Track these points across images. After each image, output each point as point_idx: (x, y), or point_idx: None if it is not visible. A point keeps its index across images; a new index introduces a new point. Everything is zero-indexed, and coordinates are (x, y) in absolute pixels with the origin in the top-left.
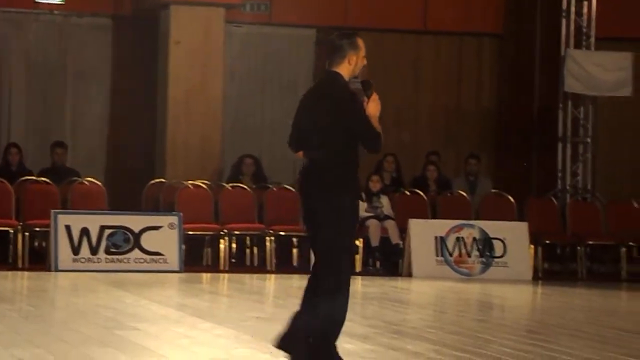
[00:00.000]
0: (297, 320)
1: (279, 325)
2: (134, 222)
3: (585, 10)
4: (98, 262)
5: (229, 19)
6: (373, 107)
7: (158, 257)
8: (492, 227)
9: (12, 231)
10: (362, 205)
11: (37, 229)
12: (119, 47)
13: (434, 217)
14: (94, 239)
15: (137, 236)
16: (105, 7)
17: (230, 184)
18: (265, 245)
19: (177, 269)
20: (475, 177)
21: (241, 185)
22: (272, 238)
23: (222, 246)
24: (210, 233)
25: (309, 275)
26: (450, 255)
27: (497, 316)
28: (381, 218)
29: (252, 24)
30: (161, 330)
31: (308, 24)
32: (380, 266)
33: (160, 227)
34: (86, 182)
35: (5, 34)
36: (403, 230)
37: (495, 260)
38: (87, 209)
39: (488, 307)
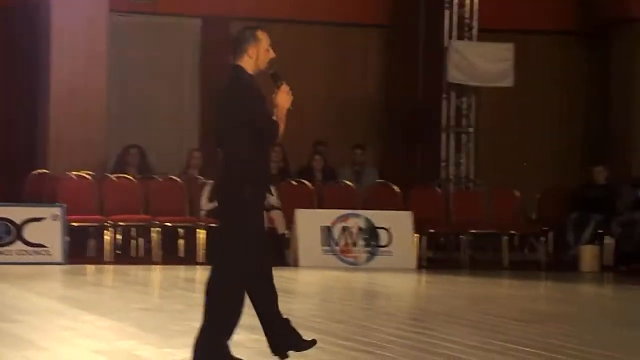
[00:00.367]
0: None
1: (165, 316)
2: (16, 213)
3: (467, 1)
4: None
5: (114, 7)
6: (282, 98)
7: (41, 249)
8: (378, 217)
9: None
10: None
11: None
12: (0, 36)
13: (321, 207)
14: None
15: (20, 228)
16: None
17: (115, 175)
18: (150, 236)
19: (60, 261)
20: (361, 167)
21: (126, 176)
22: (158, 229)
23: (107, 238)
24: (95, 225)
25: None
26: (337, 245)
27: (382, 305)
28: (268, 208)
29: (138, 14)
30: (44, 322)
31: (194, 14)
32: None
33: (43, 218)
34: None
35: None
36: (290, 221)
37: (381, 249)
38: None
39: (373, 296)
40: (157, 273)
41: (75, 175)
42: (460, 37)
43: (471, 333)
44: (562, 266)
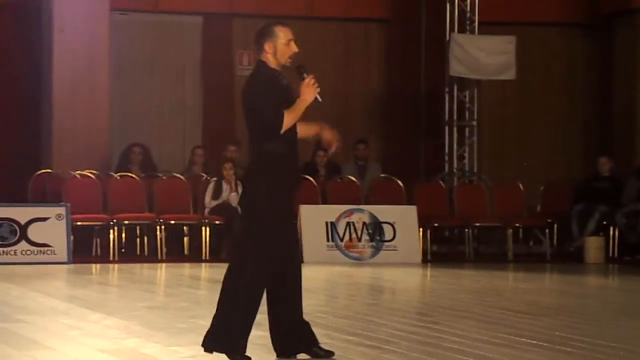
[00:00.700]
0: (293, 320)
1: (170, 313)
2: (20, 213)
3: None
4: None
5: (114, 6)
6: (304, 90)
7: (46, 248)
8: (382, 212)
9: None
10: None
11: None
12: (2, 35)
13: (324, 202)
14: None
15: (24, 228)
16: None
17: (119, 174)
18: (155, 234)
19: (65, 260)
20: (364, 162)
21: (130, 174)
22: (163, 227)
23: (111, 236)
24: (99, 223)
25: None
26: (341, 240)
27: (387, 299)
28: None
29: (139, 12)
30: (49, 322)
31: (194, 11)
32: None
33: (48, 218)
34: None
35: None
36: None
37: (385, 244)
38: None
39: (378, 290)
40: (162, 271)
41: (79, 174)
42: (462, 30)
43: (477, 326)
44: (567, 258)
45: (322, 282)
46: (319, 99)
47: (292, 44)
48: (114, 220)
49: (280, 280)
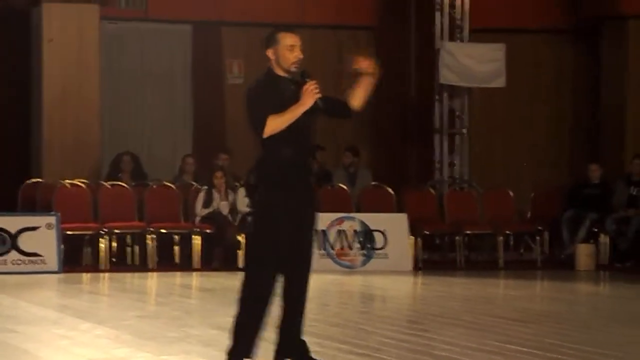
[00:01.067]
0: (284, 327)
1: (161, 323)
2: (10, 223)
3: (458, 2)
4: None
5: (104, 15)
6: (303, 96)
7: (36, 258)
8: (372, 219)
9: None
10: (244, 201)
11: None
12: None
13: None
14: None
15: (14, 237)
16: None
17: (109, 182)
18: (146, 243)
19: (56, 269)
20: (355, 170)
21: (120, 183)
22: (153, 236)
23: (102, 245)
24: (90, 232)
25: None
26: (332, 248)
27: (378, 307)
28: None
29: (128, 20)
30: (40, 331)
31: (184, 20)
32: None
33: (38, 227)
34: None
35: None
36: None
37: (376, 252)
38: None
39: (369, 298)
40: (152, 280)
41: (69, 183)
42: (452, 38)
43: (468, 334)
44: (558, 265)
45: (313, 290)
46: (320, 104)
47: (296, 49)
48: (105, 229)
49: (284, 287)
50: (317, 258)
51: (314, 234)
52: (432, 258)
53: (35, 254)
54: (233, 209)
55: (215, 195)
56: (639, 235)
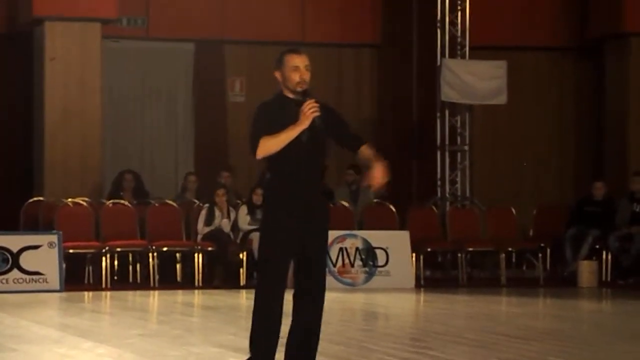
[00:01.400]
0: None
1: (163, 341)
2: (12, 241)
3: (459, 20)
4: None
5: (106, 34)
6: (301, 117)
7: (38, 276)
8: (375, 237)
9: None
10: (246, 219)
11: None
12: None
13: None
14: None
15: (16, 256)
16: None
17: (111, 201)
18: (148, 261)
19: (57, 288)
20: (357, 187)
21: (122, 201)
22: (155, 254)
23: (103, 264)
24: (92, 251)
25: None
26: (334, 265)
27: (381, 325)
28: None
29: (130, 39)
30: (42, 351)
31: (186, 38)
32: None
33: (40, 246)
34: None
35: None
36: None
37: (379, 269)
38: None
39: (372, 316)
40: (154, 298)
41: (71, 201)
42: (453, 55)
43: (471, 352)
44: (560, 282)
45: None
46: (318, 122)
47: (301, 70)
48: (106, 248)
49: (296, 308)
50: None
51: (323, 253)
52: (435, 275)
53: (37, 273)
54: (235, 227)
55: (217, 213)
56: None
